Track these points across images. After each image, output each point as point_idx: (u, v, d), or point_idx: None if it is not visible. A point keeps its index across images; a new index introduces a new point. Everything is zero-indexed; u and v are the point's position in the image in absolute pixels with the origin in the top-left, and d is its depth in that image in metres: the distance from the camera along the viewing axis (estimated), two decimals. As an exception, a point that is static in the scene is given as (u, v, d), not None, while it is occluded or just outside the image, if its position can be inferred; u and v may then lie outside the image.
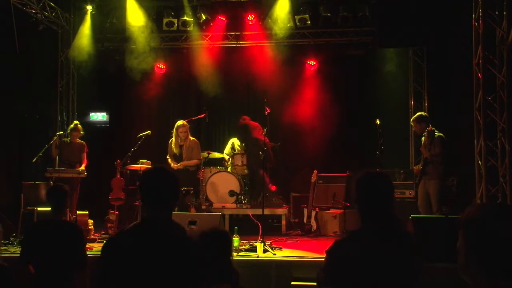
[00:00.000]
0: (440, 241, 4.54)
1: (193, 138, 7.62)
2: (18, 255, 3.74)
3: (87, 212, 6.69)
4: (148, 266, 2.03)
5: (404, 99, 9.11)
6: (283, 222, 7.45)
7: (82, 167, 7.02)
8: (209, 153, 7.71)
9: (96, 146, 8.19)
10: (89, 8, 8.67)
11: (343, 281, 2.15)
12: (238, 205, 7.52)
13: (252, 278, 4.74)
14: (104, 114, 10.43)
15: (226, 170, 7.80)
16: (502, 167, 6.11)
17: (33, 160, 6.82)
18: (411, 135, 8.84)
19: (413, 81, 9.03)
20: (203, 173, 7.38)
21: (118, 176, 7.18)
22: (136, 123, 8.98)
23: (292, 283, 4.89)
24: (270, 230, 7.25)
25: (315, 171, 7.45)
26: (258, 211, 6.59)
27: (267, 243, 5.64)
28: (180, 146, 7.46)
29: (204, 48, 9.31)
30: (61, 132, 7.48)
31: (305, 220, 7.34)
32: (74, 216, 6.53)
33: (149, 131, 7.33)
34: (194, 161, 7.44)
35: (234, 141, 8.38)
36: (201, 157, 7.51)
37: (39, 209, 6.53)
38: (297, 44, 9.19)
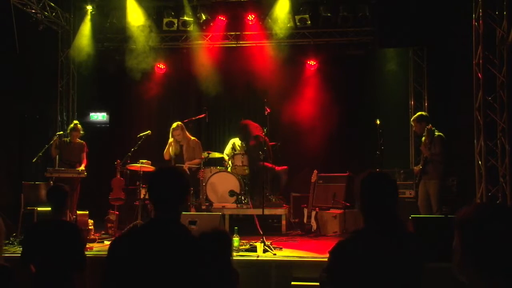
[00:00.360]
0: (440, 241, 4.54)
1: (194, 138, 7.64)
2: (18, 255, 3.74)
3: (87, 212, 6.69)
4: (154, 266, 2.02)
5: (404, 99, 9.11)
6: (283, 222, 7.45)
7: (82, 167, 7.02)
8: (209, 153, 7.71)
9: (96, 146, 8.19)
10: (89, 8, 8.67)
11: (346, 282, 2.15)
12: (238, 205, 7.52)
13: (252, 278, 4.75)
14: (104, 114, 10.43)
15: (226, 170, 7.80)
16: (502, 167, 6.11)
17: (33, 160, 6.82)
18: (411, 135, 8.84)
19: (413, 81, 9.03)
20: (203, 173, 7.39)
21: (118, 176, 7.18)
22: (136, 123, 8.98)
23: (292, 283, 4.89)
24: (270, 230, 7.26)
25: (315, 171, 7.45)
26: (258, 211, 6.59)
27: (267, 243, 5.64)
28: (181, 146, 7.51)
29: (204, 48, 9.31)
30: (61, 132, 7.47)
31: (305, 220, 7.34)
32: (74, 216, 6.52)
33: (149, 131, 7.33)
34: (196, 161, 7.48)
35: (235, 141, 8.38)
36: (202, 157, 7.52)
37: (39, 209, 6.53)
38: (297, 44, 9.20)
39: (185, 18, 8.82)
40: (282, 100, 8.77)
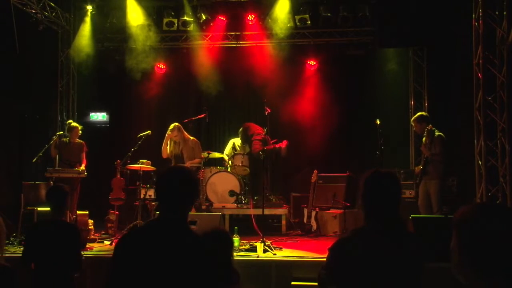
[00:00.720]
0: (440, 241, 4.54)
1: (193, 138, 7.64)
2: (19, 255, 3.74)
3: (87, 212, 6.69)
4: (162, 266, 2.01)
5: (404, 99, 9.11)
6: (283, 222, 7.45)
7: (82, 167, 7.02)
8: (209, 153, 7.71)
9: (96, 146, 8.19)
10: (89, 8, 8.68)
11: (345, 280, 2.15)
12: (238, 205, 7.52)
13: (252, 278, 4.75)
14: (104, 114, 10.43)
15: (226, 170, 7.80)
16: (502, 167, 6.11)
17: (33, 160, 6.82)
18: (411, 135, 8.84)
19: (413, 81, 9.03)
20: (203, 173, 7.39)
21: (118, 176, 7.18)
22: (136, 123, 8.97)
23: (292, 283, 4.89)
24: (270, 230, 7.26)
25: (315, 171, 7.45)
26: (258, 211, 6.59)
27: (267, 243, 5.64)
28: (180, 147, 7.51)
29: (204, 48, 9.31)
30: (61, 132, 7.47)
31: (305, 220, 7.35)
32: (74, 216, 6.52)
33: (149, 131, 7.33)
34: (197, 160, 7.49)
35: (235, 141, 8.39)
36: (202, 156, 7.52)
37: (39, 209, 6.52)
38: (297, 44, 9.20)
39: (185, 18, 8.82)
40: (282, 100, 8.77)
